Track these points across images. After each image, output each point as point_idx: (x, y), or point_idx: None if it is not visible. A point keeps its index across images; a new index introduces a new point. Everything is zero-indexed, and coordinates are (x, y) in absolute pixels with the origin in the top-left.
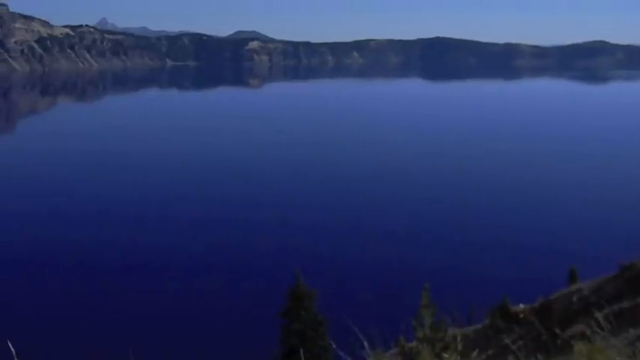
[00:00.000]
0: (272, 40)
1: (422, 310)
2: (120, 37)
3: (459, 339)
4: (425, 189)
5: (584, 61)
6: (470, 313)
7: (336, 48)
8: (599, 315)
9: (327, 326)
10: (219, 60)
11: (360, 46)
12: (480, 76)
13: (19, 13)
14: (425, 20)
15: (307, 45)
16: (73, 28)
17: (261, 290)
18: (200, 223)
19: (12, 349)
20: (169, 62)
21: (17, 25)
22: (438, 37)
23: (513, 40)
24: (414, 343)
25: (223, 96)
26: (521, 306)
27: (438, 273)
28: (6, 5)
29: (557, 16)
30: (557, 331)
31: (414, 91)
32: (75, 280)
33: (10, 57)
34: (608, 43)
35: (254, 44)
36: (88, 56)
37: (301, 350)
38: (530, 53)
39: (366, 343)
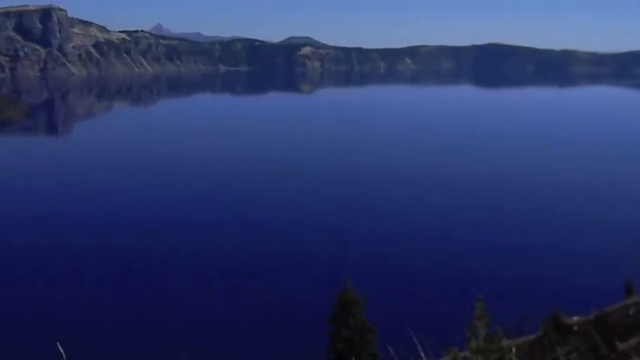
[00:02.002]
0: (324, 46)
1: (476, 321)
2: (174, 42)
3: (514, 350)
4: (477, 195)
5: None
6: (522, 323)
7: (388, 54)
8: None
9: (376, 333)
10: (271, 65)
11: (412, 52)
12: (534, 84)
13: (77, 19)
14: (479, 26)
15: (359, 51)
16: (129, 33)
17: (309, 296)
18: (249, 227)
19: (62, 351)
20: (222, 67)
21: (75, 30)
22: (491, 43)
23: (570, 47)
24: (466, 353)
25: (274, 101)
26: (575, 318)
27: (488, 280)
28: (64, 10)
29: (615, 22)
30: (617, 342)
31: (466, 97)
32: (126, 282)
33: (68, 61)
34: None
35: (306, 50)
36: (143, 61)
37: (353, 358)
38: (587, 60)
39: (422, 352)
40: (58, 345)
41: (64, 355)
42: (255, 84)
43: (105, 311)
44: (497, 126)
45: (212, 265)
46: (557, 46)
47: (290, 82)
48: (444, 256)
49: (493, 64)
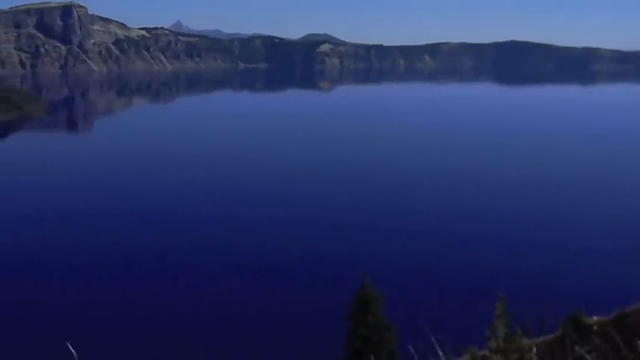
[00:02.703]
0: (343, 43)
1: (495, 320)
2: (194, 39)
3: (534, 350)
4: (497, 192)
5: None
6: (541, 323)
7: (407, 51)
8: None
9: (394, 331)
10: (290, 62)
11: (432, 49)
12: (556, 81)
13: (97, 16)
14: (500, 23)
15: (379, 48)
16: (148, 30)
17: (326, 293)
18: (266, 224)
19: (72, 351)
20: (241, 64)
21: (95, 27)
22: (513, 41)
23: (593, 44)
24: (485, 352)
25: (293, 98)
26: (595, 318)
27: (507, 278)
28: (85, 7)
29: (639, 20)
30: (638, 342)
31: (487, 95)
32: (143, 279)
33: (88, 58)
34: None
35: (325, 47)
36: (162, 58)
37: (372, 357)
38: (609, 58)
39: (440, 352)
40: (69, 345)
41: (75, 356)
42: (274, 81)
43: (123, 309)
44: (519, 123)
45: (230, 262)
46: (579, 43)
47: (309, 80)
48: (463, 254)
49: (514, 62)
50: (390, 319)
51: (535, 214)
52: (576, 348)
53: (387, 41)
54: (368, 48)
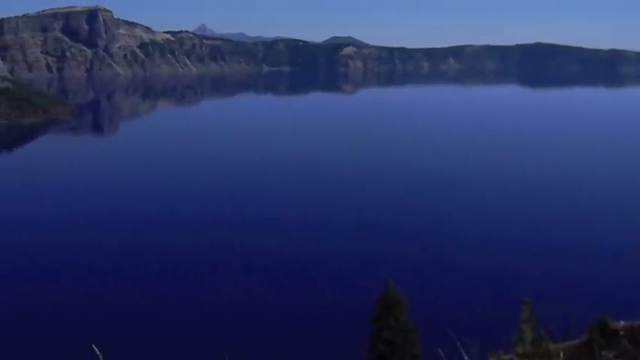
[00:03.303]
0: (367, 46)
1: (522, 324)
2: (218, 42)
3: (561, 355)
4: (522, 194)
5: None
6: (567, 327)
7: (431, 54)
8: None
9: (418, 335)
10: (313, 65)
11: (456, 51)
12: (581, 84)
13: (122, 19)
14: (524, 25)
15: (402, 50)
16: (173, 33)
17: (350, 294)
18: (289, 226)
19: (97, 352)
20: (265, 67)
21: (121, 31)
22: (538, 43)
23: (619, 47)
24: (511, 356)
25: (316, 101)
26: (622, 323)
27: (532, 280)
28: (110, 11)
29: None
30: None
31: (511, 97)
32: (168, 281)
33: (113, 62)
34: None
35: (348, 50)
36: (187, 61)
37: None
38: (636, 60)
39: (465, 356)
40: (94, 347)
41: (100, 357)
42: (298, 84)
43: (148, 310)
44: (544, 125)
45: (253, 264)
46: (605, 45)
47: (332, 82)
48: (487, 256)
49: (539, 64)
50: (414, 321)
51: (560, 216)
52: (603, 353)
53: (410, 44)
54: (391, 50)
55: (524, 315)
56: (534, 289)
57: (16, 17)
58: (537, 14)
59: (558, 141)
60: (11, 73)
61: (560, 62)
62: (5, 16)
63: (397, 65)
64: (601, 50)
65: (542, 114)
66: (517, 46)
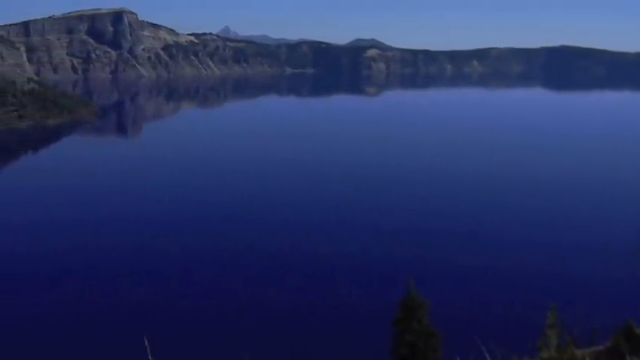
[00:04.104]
0: (390, 48)
1: (547, 330)
2: (241, 44)
3: None
4: (547, 197)
5: None
6: (592, 332)
7: (455, 56)
8: None
9: (440, 338)
10: (336, 68)
11: (480, 54)
12: (607, 87)
13: (147, 22)
14: (550, 27)
15: (426, 53)
16: (197, 36)
17: (375, 295)
18: (313, 227)
19: (147, 345)
20: (288, 69)
21: (145, 32)
22: (563, 46)
23: None
24: None
25: (339, 103)
26: None
27: (555, 285)
28: (135, 14)
29: None
30: None
31: (536, 100)
32: (191, 282)
33: (138, 63)
34: None
35: (372, 52)
36: (210, 63)
37: None
38: None
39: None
40: (145, 340)
41: (148, 349)
42: (321, 86)
43: (168, 311)
44: (569, 127)
45: (275, 265)
46: (632, 48)
47: (355, 85)
48: (510, 258)
49: (564, 67)
50: (437, 325)
51: (583, 218)
52: (628, 358)
53: (434, 46)
54: (415, 53)
55: (549, 320)
56: (557, 291)
57: (42, 19)
58: (563, 16)
59: (581, 143)
60: (37, 74)
61: (585, 65)
62: (32, 18)
63: (420, 68)
64: (628, 53)
65: (569, 117)
66: (542, 48)
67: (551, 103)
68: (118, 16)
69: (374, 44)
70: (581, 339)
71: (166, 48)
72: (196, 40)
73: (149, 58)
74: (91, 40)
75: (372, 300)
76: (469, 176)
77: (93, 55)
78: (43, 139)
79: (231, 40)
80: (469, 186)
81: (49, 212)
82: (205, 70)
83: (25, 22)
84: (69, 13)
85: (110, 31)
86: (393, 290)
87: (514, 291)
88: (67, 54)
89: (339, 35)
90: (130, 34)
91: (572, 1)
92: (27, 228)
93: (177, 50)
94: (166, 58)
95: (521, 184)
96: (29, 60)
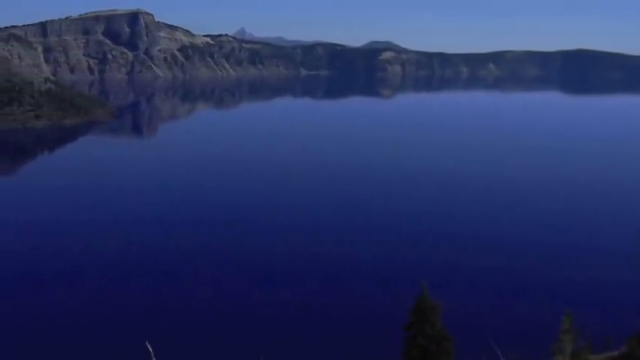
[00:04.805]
0: (405, 51)
1: (562, 335)
2: (257, 46)
3: None
4: (562, 200)
5: None
6: (606, 338)
7: (470, 59)
8: None
9: (453, 342)
10: (351, 70)
11: (496, 57)
12: (624, 91)
13: (163, 23)
14: (566, 30)
15: (441, 55)
16: (213, 37)
17: (387, 297)
18: (327, 229)
19: (150, 349)
20: (303, 71)
21: (162, 34)
22: (580, 49)
23: None
24: None
25: (354, 105)
26: None
27: (570, 289)
28: (151, 15)
29: None
30: None
31: (552, 104)
32: (202, 282)
33: (154, 64)
34: None
35: (387, 54)
36: (226, 64)
37: None
38: None
39: None
40: (147, 344)
41: (152, 353)
42: (336, 88)
43: (183, 311)
44: (586, 131)
45: (289, 267)
46: None
47: (370, 87)
48: (526, 262)
49: (581, 71)
50: (449, 328)
51: (600, 223)
52: None
53: (449, 49)
54: (430, 55)
55: (564, 326)
56: (570, 295)
57: (60, 20)
58: (580, 20)
59: (598, 146)
60: (54, 74)
61: (602, 69)
62: (49, 19)
63: (436, 70)
64: None
65: (584, 120)
66: (559, 52)
67: (568, 107)
68: (134, 17)
69: (389, 46)
70: (595, 343)
71: (182, 49)
72: (212, 42)
73: (165, 59)
74: (108, 41)
75: (384, 302)
76: (483, 179)
77: (109, 56)
78: (59, 139)
79: (247, 42)
80: (483, 188)
81: (64, 212)
82: (221, 71)
83: (42, 22)
84: (86, 13)
85: (126, 31)
86: (406, 292)
87: (528, 294)
88: (83, 54)
89: (354, 37)
90: (147, 35)
91: (589, 4)
92: (42, 227)
93: (193, 51)
94: (182, 59)
95: (537, 187)
96: (46, 60)
